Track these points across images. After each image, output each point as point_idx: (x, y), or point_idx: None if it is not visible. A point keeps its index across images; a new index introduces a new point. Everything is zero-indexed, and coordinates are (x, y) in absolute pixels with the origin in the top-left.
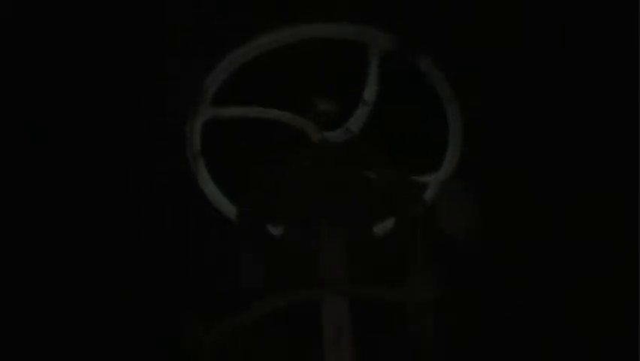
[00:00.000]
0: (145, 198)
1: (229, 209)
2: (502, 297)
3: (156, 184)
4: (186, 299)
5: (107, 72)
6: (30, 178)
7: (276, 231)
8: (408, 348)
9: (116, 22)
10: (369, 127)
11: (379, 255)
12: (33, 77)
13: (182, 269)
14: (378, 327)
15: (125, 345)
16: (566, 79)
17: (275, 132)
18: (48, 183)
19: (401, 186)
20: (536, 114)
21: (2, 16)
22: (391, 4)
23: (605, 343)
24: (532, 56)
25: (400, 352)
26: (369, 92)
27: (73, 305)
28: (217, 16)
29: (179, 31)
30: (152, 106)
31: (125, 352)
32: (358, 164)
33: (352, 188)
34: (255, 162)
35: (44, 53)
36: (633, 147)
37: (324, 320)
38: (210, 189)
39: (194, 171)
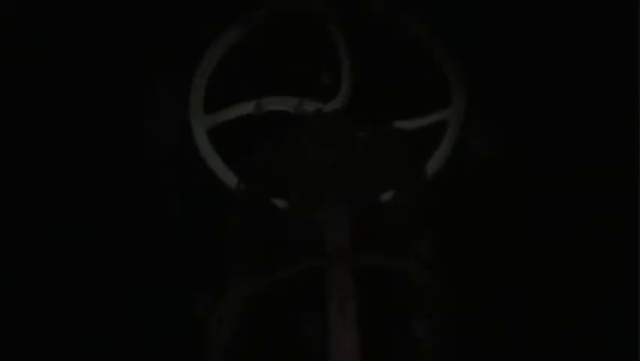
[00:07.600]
0: (147, 173)
1: (233, 181)
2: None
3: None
4: (194, 275)
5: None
6: (29, 176)
7: (279, 202)
8: (411, 317)
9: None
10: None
11: (382, 224)
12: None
13: (188, 245)
14: (381, 295)
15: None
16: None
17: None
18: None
19: (403, 154)
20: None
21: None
22: None
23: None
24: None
25: (403, 321)
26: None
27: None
28: None
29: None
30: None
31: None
32: (358, 132)
33: (354, 156)
34: (256, 134)
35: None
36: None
37: (328, 289)
38: (214, 160)
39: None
